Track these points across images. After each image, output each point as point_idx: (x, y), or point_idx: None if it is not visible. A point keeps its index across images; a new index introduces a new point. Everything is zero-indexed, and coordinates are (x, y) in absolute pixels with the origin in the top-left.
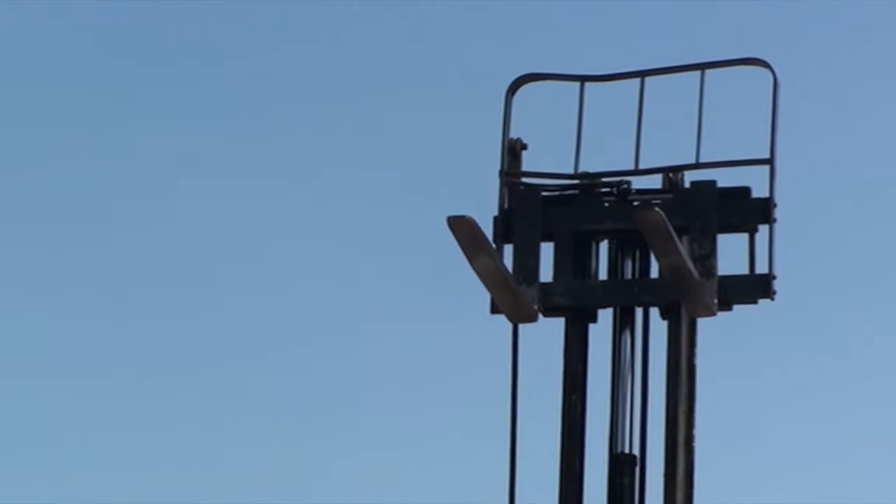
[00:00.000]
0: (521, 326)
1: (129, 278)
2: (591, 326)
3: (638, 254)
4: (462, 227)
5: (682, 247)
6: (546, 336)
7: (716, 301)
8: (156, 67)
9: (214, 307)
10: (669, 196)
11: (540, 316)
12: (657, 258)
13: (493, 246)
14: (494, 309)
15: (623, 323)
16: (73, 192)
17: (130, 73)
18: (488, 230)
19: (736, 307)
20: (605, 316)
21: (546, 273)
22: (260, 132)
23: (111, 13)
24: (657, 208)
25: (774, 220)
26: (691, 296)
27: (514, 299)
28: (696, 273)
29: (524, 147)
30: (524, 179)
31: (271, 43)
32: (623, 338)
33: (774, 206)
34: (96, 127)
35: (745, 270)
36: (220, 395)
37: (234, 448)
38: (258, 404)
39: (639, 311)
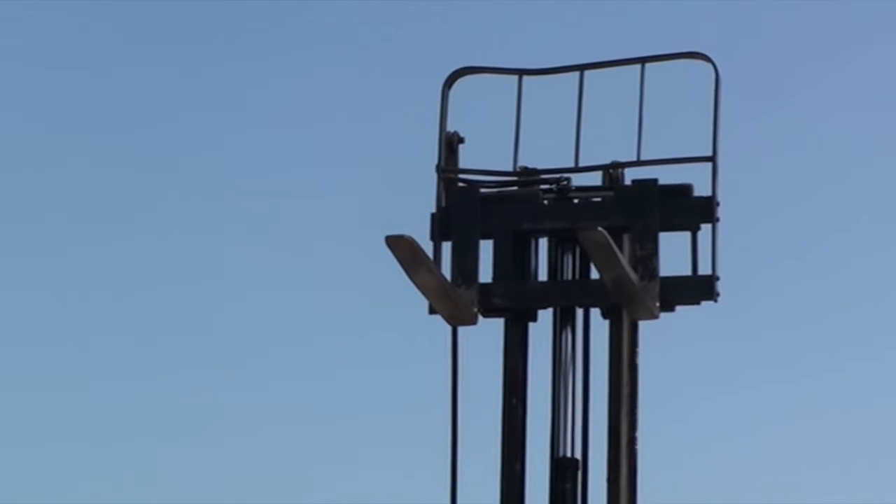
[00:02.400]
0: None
1: (127, 277)
2: (532, 325)
3: (578, 251)
4: (401, 246)
5: (624, 258)
6: (485, 336)
7: (658, 304)
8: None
9: (170, 316)
10: (610, 193)
11: (479, 317)
12: (599, 272)
13: (432, 259)
14: (433, 310)
15: (564, 322)
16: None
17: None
18: (425, 227)
19: (679, 307)
20: (546, 314)
21: (485, 271)
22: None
23: (113, 11)
24: (600, 228)
25: (717, 220)
26: (633, 302)
27: (454, 305)
28: (637, 282)
29: (461, 140)
30: (462, 178)
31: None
32: (564, 337)
33: (717, 204)
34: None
35: (688, 269)
36: (180, 406)
37: (207, 452)
38: (213, 411)
39: (579, 311)
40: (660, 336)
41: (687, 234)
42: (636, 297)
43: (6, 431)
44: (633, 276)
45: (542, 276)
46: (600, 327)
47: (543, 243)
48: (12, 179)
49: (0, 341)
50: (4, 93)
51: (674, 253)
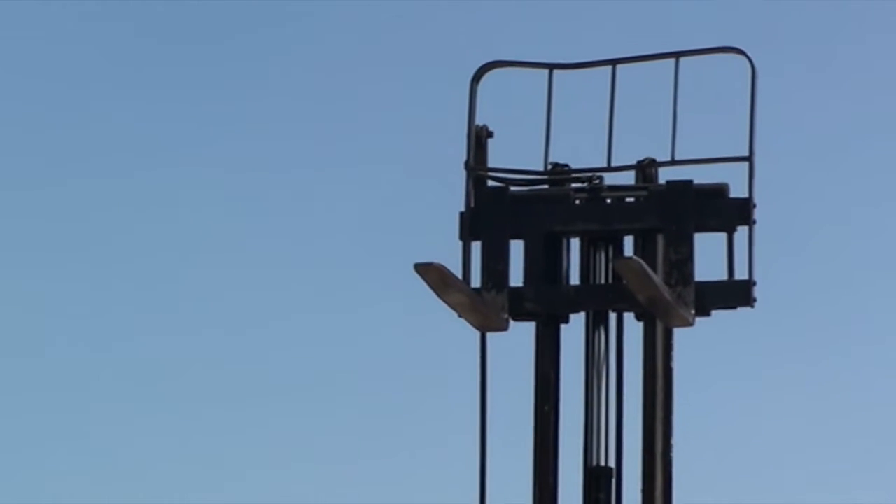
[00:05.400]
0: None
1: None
2: (563, 327)
3: (611, 250)
4: (430, 273)
5: (658, 279)
6: (516, 339)
7: (693, 311)
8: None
9: (188, 304)
10: (644, 193)
11: (510, 322)
12: (635, 293)
13: (462, 281)
14: None
15: (596, 324)
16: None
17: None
18: (454, 225)
19: (715, 312)
20: (578, 315)
21: (516, 272)
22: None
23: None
24: (635, 256)
25: (754, 222)
26: (668, 314)
27: (484, 316)
28: (672, 298)
29: (490, 135)
30: (491, 176)
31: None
32: (597, 340)
33: (754, 206)
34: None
35: (724, 271)
36: (184, 394)
37: (198, 446)
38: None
39: (612, 314)
40: (695, 340)
41: (723, 235)
42: (671, 308)
43: None
44: (667, 294)
45: (574, 277)
46: (634, 328)
47: (575, 243)
48: None
49: None
50: None
51: (709, 253)
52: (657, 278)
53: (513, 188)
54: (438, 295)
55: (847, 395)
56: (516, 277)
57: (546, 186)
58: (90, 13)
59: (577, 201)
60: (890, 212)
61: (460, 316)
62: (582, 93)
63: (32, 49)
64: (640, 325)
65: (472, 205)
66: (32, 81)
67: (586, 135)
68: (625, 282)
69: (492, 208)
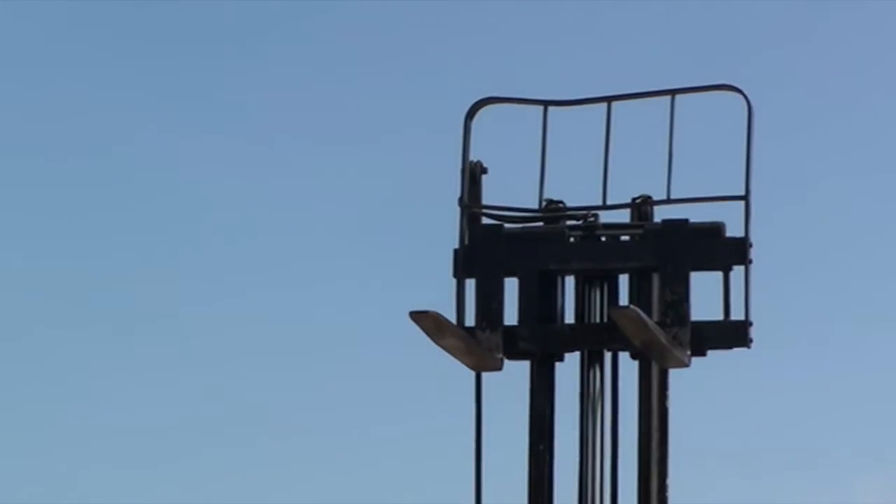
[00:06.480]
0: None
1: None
2: (558, 365)
3: (606, 289)
4: (425, 319)
5: (653, 323)
6: (511, 376)
7: (688, 352)
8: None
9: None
10: (639, 231)
11: (505, 361)
12: (631, 340)
13: (457, 325)
14: None
15: (591, 362)
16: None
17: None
18: (448, 262)
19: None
20: (573, 355)
21: (510, 310)
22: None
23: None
24: (632, 305)
25: (750, 261)
26: (663, 356)
27: (478, 358)
28: (667, 341)
29: (484, 171)
30: (485, 213)
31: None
32: (592, 378)
33: (750, 245)
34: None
35: (719, 309)
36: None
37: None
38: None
39: (607, 353)
40: (691, 380)
41: (719, 273)
42: (666, 351)
43: None
44: (663, 338)
45: (569, 314)
46: (629, 367)
47: (570, 282)
48: None
49: None
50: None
51: (705, 291)
52: (653, 324)
53: (507, 225)
54: (433, 340)
55: (844, 436)
56: (511, 315)
57: (541, 224)
58: None
59: (572, 239)
60: (886, 250)
61: (455, 358)
62: (577, 130)
63: (36, 26)
64: (636, 364)
65: (466, 242)
66: (40, 55)
67: (581, 171)
68: (621, 330)
69: (486, 246)
